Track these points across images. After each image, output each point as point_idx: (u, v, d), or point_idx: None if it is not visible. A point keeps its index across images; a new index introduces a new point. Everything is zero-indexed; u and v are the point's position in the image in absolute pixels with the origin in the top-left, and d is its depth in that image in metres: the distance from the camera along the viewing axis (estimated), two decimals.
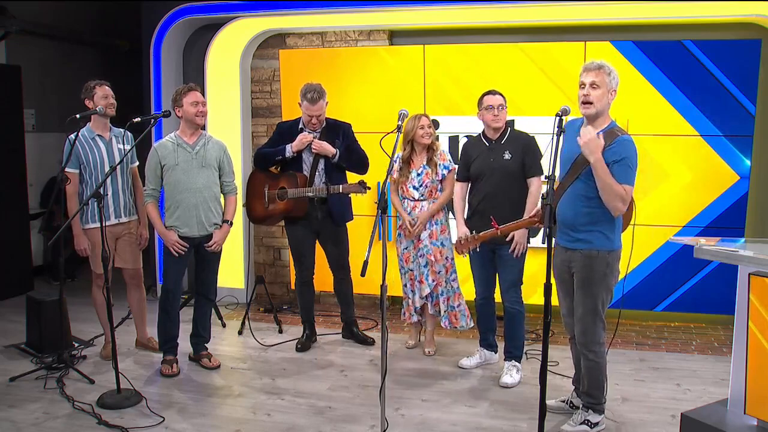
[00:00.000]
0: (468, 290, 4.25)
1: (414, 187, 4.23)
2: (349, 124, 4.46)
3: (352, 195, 4.35)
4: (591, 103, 2.99)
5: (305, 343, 4.56)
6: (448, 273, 4.26)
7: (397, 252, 4.39)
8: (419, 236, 4.21)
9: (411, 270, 4.29)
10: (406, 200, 4.27)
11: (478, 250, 3.79)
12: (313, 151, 4.27)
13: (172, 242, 3.95)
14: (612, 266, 3.10)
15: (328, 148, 4.25)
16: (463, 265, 4.38)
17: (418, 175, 4.21)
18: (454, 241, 3.99)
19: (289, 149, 4.27)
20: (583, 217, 3.07)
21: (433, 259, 4.21)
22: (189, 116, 3.94)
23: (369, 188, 4.16)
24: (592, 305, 3.11)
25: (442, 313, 4.29)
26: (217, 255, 4.15)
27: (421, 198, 4.23)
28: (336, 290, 4.63)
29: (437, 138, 4.34)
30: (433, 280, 4.23)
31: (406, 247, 4.29)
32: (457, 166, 4.18)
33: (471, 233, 3.73)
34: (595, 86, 2.99)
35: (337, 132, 4.35)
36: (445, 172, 4.21)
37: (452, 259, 4.27)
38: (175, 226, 3.97)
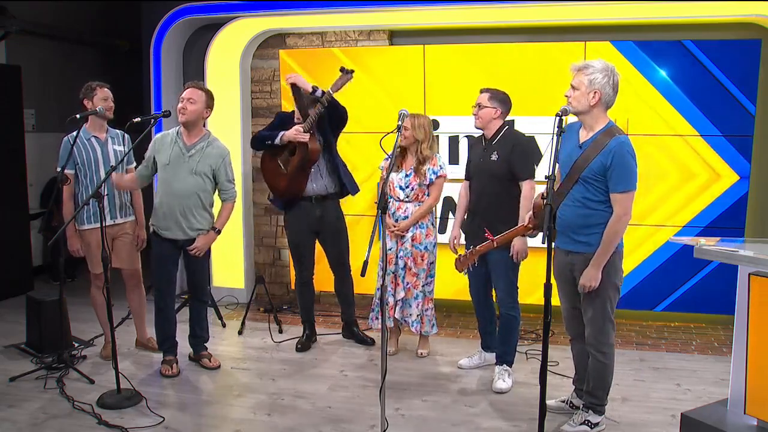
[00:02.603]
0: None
1: (400, 188, 4.19)
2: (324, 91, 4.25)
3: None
4: (570, 104, 3.04)
5: (305, 343, 4.56)
6: (425, 278, 4.24)
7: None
8: (403, 238, 4.20)
9: (393, 272, 4.25)
10: (391, 200, 4.23)
11: (476, 264, 3.77)
12: (295, 140, 4.18)
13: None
14: (616, 266, 3.09)
15: (304, 137, 4.13)
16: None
17: (406, 176, 4.18)
18: (447, 242, 3.98)
19: (280, 137, 4.22)
20: (583, 220, 3.06)
21: (411, 263, 4.19)
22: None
23: (352, 71, 4.11)
24: (601, 307, 3.11)
25: (414, 318, 4.25)
26: (203, 259, 4.07)
27: (406, 200, 4.20)
28: (336, 290, 4.63)
29: (433, 142, 4.21)
30: (408, 283, 4.22)
31: (390, 248, 4.24)
32: (446, 173, 4.19)
33: (468, 249, 3.72)
34: (574, 87, 3.03)
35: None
36: (433, 177, 4.15)
37: (433, 263, 4.25)
38: (157, 227, 3.96)
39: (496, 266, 3.80)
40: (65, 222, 3.88)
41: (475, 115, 3.80)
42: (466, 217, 3.98)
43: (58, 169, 3.99)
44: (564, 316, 3.35)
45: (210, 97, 3.97)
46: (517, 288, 3.87)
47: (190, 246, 3.96)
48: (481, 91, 3.82)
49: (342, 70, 4.13)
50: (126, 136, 4.25)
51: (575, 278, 3.16)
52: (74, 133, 4.05)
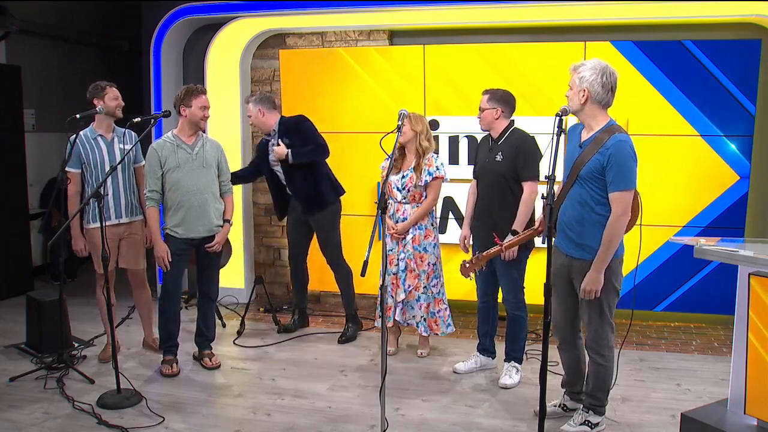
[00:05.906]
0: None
1: (397, 189, 4.19)
2: (300, 117, 4.56)
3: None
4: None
5: (289, 327, 4.81)
6: (428, 279, 4.21)
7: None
8: (403, 240, 4.19)
9: (394, 273, 4.25)
10: (390, 200, 4.23)
11: (484, 269, 3.76)
12: (271, 162, 4.54)
13: (162, 255, 3.94)
14: (615, 270, 3.07)
15: (281, 152, 4.42)
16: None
17: (403, 177, 4.17)
18: (458, 242, 3.97)
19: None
20: (579, 222, 3.05)
21: (413, 264, 4.19)
22: (195, 119, 3.95)
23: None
24: (599, 310, 3.10)
25: (418, 319, 4.25)
26: (218, 255, 4.15)
27: (404, 201, 4.19)
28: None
29: (430, 134, 4.19)
30: (410, 285, 4.20)
31: (391, 249, 4.24)
32: (443, 174, 4.14)
33: (475, 254, 3.71)
34: (570, 87, 3.06)
35: (287, 130, 4.48)
36: (428, 178, 4.11)
37: (435, 264, 4.23)
38: (176, 230, 3.97)
39: (501, 267, 3.80)
40: (66, 221, 3.87)
41: (478, 118, 3.82)
42: (472, 217, 3.97)
43: (66, 169, 3.99)
44: (555, 318, 3.30)
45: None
46: (523, 288, 3.87)
47: (209, 243, 4.02)
48: (483, 94, 3.83)
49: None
50: (132, 133, 4.24)
51: (572, 280, 3.15)
52: (81, 133, 4.07)
